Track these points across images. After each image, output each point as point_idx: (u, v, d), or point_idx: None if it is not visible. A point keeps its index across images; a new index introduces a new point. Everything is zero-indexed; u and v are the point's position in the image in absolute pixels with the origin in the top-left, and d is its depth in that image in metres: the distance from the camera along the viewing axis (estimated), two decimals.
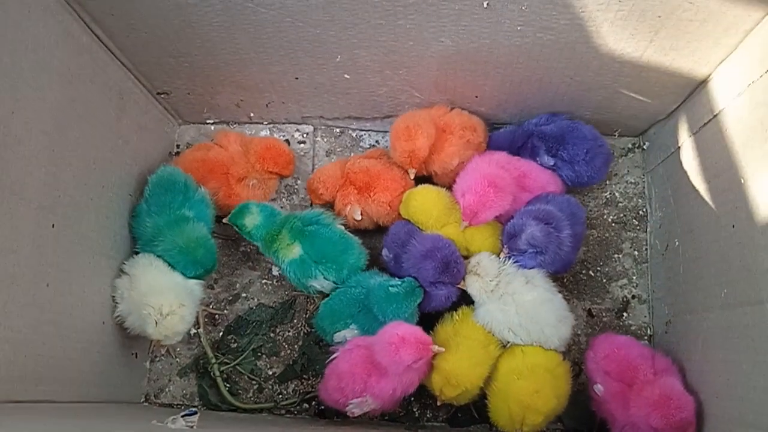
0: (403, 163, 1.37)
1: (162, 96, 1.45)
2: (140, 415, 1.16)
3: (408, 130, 1.34)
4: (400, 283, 1.30)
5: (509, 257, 1.30)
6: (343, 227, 1.39)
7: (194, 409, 1.05)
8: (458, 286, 1.30)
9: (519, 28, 1.14)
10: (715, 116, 1.17)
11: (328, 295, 1.37)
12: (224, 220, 1.38)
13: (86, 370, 1.20)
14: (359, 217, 1.40)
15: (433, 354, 1.21)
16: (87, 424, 0.90)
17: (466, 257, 1.32)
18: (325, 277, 1.34)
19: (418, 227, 1.36)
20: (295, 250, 1.34)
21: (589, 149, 1.38)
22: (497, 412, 1.24)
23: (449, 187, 1.36)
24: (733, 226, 1.09)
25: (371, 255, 1.41)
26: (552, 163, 1.39)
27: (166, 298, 1.24)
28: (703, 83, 1.21)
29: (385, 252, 1.38)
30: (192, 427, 0.92)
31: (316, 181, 1.45)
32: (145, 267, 1.28)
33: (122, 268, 1.29)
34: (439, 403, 1.28)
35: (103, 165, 1.24)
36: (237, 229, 1.37)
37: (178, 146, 1.57)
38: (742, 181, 1.06)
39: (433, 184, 1.42)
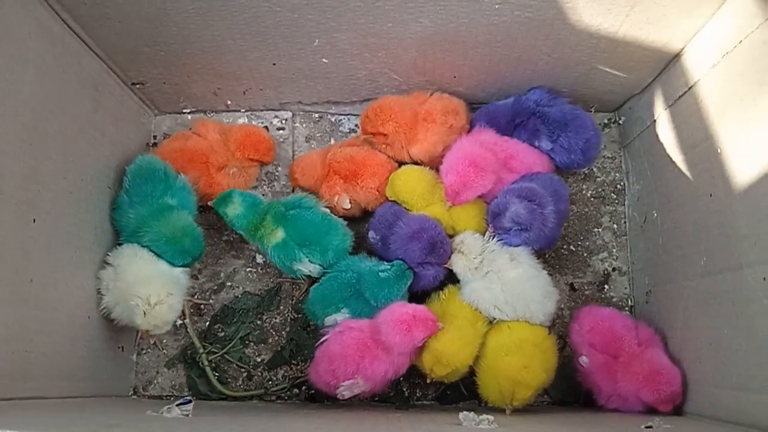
0: (365, 113, 1.41)
1: (137, 86, 1.43)
2: (133, 407, 1.16)
3: (382, 111, 1.38)
4: (389, 267, 1.31)
5: (494, 236, 1.31)
6: (327, 210, 1.39)
7: (189, 397, 1.05)
8: (445, 265, 1.32)
9: (497, 6, 1.14)
10: (690, 88, 1.19)
11: (315, 281, 1.37)
12: (209, 203, 1.38)
13: (74, 364, 1.19)
14: (348, 206, 1.41)
15: (437, 331, 1.23)
16: (81, 416, 0.89)
17: (452, 236, 1.34)
18: (310, 261, 1.34)
19: (405, 207, 1.37)
20: (278, 235, 1.33)
21: (588, 140, 1.39)
22: (487, 389, 1.26)
23: (437, 169, 1.37)
24: (711, 195, 1.12)
25: (357, 239, 1.42)
26: (549, 148, 1.40)
27: (153, 288, 1.23)
28: (677, 56, 1.23)
29: (371, 234, 1.38)
30: (187, 415, 0.92)
31: (296, 167, 1.46)
32: (130, 257, 1.27)
33: (106, 260, 1.28)
34: (428, 381, 1.29)
35: (81, 158, 1.22)
36: (220, 215, 1.37)
37: (155, 137, 1.55)
38: (719, 150, 1.09)
39: None
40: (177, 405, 0.94)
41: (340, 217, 1.41)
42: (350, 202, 1.41)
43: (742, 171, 1.02)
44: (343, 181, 1.41)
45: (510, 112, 1.41)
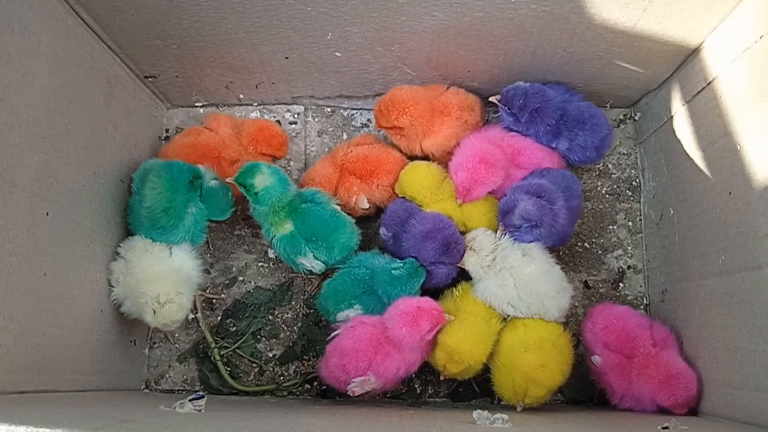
0: (377, 107, 1.38)
1: (150, 80, 1.43)
2: (145, 401, 1.16)
3: (394, 105, 1.35)
4: (402, 265, 1.30)
5: (506, 233, 1.30)
6: (338, 207, 1.37)
7: (201, 393, 1.04)
8: (458, 265, 1.31)
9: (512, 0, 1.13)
10: (708, 83, 1.17)
11: (327, 276, 1.36)
12: (229, 179, 1.32)
13: (86, 358, 1.19)
14: (367, 206, 1.40)
15: (444, 323, 1.22)
16: (94, 412, 0.89)
17: (464, 233, 1.33)
18: (315, 256, 1.33)
19: (416, 204, 1.36)
20: (287, 227, 1.32)
21: (602, 139, 1.38)
22: (502, 387, 1.25)
23: (446, 165, 1.36)
24: (730, 193, 1.10)
25: (368, 235, 1.42)
26: (566, 147, 1.38)
27: (163, 287, 1.23)
28: (695, 51, 1.21)
29: (383, 231, 1.37)
30: (200, 410, 0.92)
31: (312, 185, 1.41)
32: (141, 252, 1.27)
33: (117, 251, 1.28)
34: (442, 378, 1.28)
35: (94, 151, 1.22)
36: (243, 191, 1.30)
37: (167, 130, 1.55)
38: (738, 147, 1.07)
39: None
40: (189, 400, 0.94)
41: (357, 216, 1.40)
42: (367, 202, 1.40)
43: (762, 168, 1.01)
44: (359, 180, 1.40)
45: (562, 107, 1.37)
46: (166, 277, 1.25)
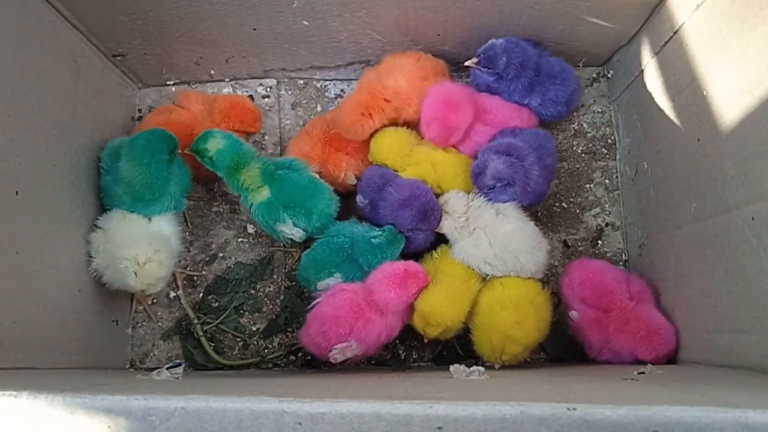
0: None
1: (118, 58, 1.41)
2: (125, 375, 1.16)
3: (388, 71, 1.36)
4: (381, 233, 1.30)
5: (480, 195, 1.30)
6: (317, 175, 1.36)
7: (178, 361, 1.05)
8: (435, 230, 1.31)
9: None
10: (675, 33, 1.17)
11: (307, 247, 1.36)
12: (186, 150, 1.32)
13: (65, 337, 1.18)
14: (354, 182, 1.40)
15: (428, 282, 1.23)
16: (67, 379, 0.89)
17: (439, 195, 1.33)
18: (294, 223, 1.32)
19: (392, 170, 1.36)
20: (264, 193, 1.31)
21: (572, 93, 1.40)
22: (481, 346, 1.26)
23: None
24: (699, 140, 1.10)
25: (347, 206, 1.41)
26: (538, 102, 1.38)
27: (140, 247, 1.23)
28: (662, 1, 1.21)
29: (359, 198, 1.37)
30: (177, 378, 0.92)
31: None
32: (119, 221, 1.27)
33: (96, 223, 1.28)
34: (425, 341, 1.29)
35: (63, 130, 1.21)
36: (199, 158, 1.32)
37: (139, 110, 1.54)
38: (705, 93, 1.07)
39: None
40: (167, 368, 0.94)
41: (345, 191, 1.40)
42: (355, 178, 1.40)
43: (727, 111, 1.01)
44: (348, 157, 1.40)
45: (536, 65, 1.37)
46: (141, 238, 1.25)
